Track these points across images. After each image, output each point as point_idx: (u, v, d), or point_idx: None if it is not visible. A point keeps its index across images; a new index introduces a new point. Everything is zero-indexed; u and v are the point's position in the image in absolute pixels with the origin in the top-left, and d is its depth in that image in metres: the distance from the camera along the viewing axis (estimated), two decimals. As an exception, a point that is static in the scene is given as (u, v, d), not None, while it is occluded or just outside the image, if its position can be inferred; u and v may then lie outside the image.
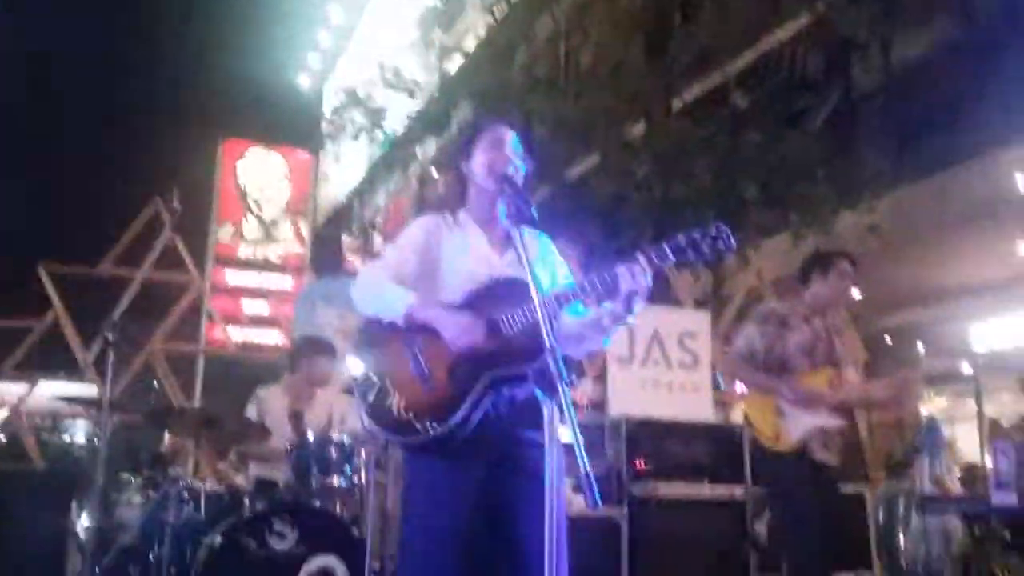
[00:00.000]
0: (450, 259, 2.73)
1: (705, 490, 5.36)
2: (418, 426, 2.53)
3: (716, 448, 5.48)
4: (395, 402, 2.58)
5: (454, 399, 2.51)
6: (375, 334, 2.68)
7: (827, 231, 9.98)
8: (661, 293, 8.63)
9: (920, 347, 11.54)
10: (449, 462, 2.56)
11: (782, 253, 9.54)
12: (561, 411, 2.21)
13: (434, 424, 2.51)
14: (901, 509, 7.46)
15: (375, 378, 2.64)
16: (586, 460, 2.13)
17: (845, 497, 5.75)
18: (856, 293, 11.32)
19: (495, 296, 2.61)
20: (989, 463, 10.20)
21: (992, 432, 10.15)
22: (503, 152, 2.75)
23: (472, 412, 2.51)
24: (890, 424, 10.78)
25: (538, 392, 2.46)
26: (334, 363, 5.16)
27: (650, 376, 6.39)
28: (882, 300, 11.99)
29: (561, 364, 2.26)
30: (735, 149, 9.93)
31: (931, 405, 13.61)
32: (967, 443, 12.97)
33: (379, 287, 2.68)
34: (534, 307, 2.48)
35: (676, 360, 6.46)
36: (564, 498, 2.57)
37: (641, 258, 2.53)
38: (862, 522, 5.89)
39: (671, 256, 2.53)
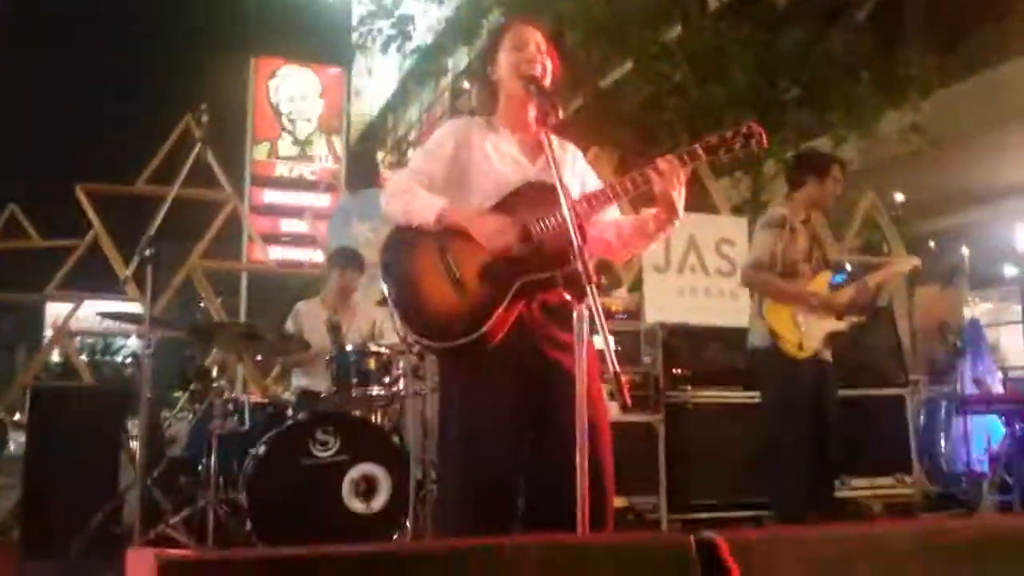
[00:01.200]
0: (481, 164, 2.69)
1: (741, 395, 5.36)
2: (451, 331, 2.53)
3: (754, 353, 5.45)
4: (427, 308, 2.58)
5: (486, 304, 2.51)
6: (405, 242, 2.66)
7: (869, 132, 9.75)
8: (698, 200, 8.52)
9: (965, 251, 11.36)
10: (486, 365, 2.55)
11: (827, 152, 9.33)
12: (590, 312, 2.20)
13: (467, 329, 2.50)
14: (943, 413, 7.44)
15: (407, 285, 2.63)
16: (615, 360, 2.12)
17: (880, 400, 5.78)
18: (899, 196, 11.15)
19: (527, 200, 2.58)
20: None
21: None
22: (527, 52, 2.69)
23: (504, 317, 2.50)
24: (932, 328, 10.68)
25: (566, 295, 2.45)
26: (361, 273, 5.21)
27: (687, 283, 6.35)
28: (926, 203, 11.77)
29: (588, 265, 2.24)
30: (774, 49, 9.64)
31: (976, 310, 13.45)
32: (1012, 347, 12.86)
33: (409, 194, 2.65)
34: (564, 213, 2.46)
35: (713, 267, 6.41)
36: (604, 399, 2.61)
37: (670, 158, 2.50)
38: (901, 426, 5.86)
39: (702, 155, 2.50)
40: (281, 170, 19.95)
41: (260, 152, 20.05)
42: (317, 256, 17.18)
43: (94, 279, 7.81)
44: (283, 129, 20.40)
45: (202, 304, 7.88)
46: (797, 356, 4.18)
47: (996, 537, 1.79)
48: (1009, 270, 13.18)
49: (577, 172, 2.80)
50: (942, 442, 7.35)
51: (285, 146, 20.27)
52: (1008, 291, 13.57)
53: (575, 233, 2.30)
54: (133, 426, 5.63)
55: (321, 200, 18.60)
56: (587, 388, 2.57)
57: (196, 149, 4.41)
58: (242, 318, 10.54)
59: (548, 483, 2.58)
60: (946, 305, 10.96)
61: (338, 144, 20.63)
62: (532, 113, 2.72)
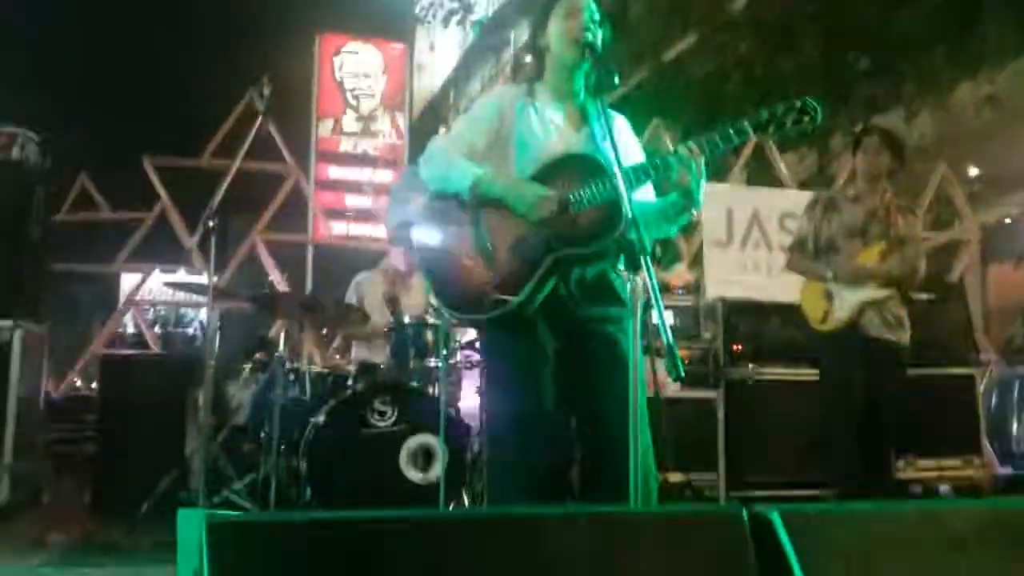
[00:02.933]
0: (523, 132, 2.66)
1: (803, 373, 5.26)
2: (480, 304, 2.52)
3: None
4: (458, 281, 2.58)
5: (518, 277, 2.49)
6: (440, 210, 2.65)
7: (942, 104, 9.43)
8: (762, 174, 8.37)
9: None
10: (523, 336, 2.55)
11: (900, 125, 9.07)
12: (645, 285, 2.17)
13: (497, 302, 2.49)
14: (1016, 395, 7.23)
15: (438, 257, 2.63)
16: (670, 332, 2.10)
17: (948, 379, 5.63)
18: (974, 170, 10.79)
19: (567, 171, 2.55)
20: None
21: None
22: (579, 19, 2.65)
23: (536, 291, 2.48)
24: (1009, 308, 10.36)
25: (620, 264, 2.43)
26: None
27: (749, 258, 6.25)
28: (1001, 179, 11.38)
29: (644, 235, 2.21)
30: (846, 21, 9.36)
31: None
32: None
33: (447, 160, 2.64)
34: (605, 185, 2.44)
35: (776, 242, 6.28)
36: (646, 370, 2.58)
37: (691, 143, 2.45)
38: (970, 406, 5.71)
39: (750, 131, 2.43)
40: (345, 146, 20.14)
41: (324, 128, 20.26)
42: (380, 231, 17.36)
43: (163, 250, 7.99)
44: (347, 105, 20.60)
45: (270, 277, 8.02)
46: (823, 328, 4.27)
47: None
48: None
49: (622, 144, 2.75)
50: (1015, 423, 7.14)
51: (349, 122, 20.41)
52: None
53: (627, 205, 2.27)
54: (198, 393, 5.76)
55: (382, 176, 18.75)
56: (627, 362, 2.58)
57: (258, 121, 4.47)
58: (308, 289, 10.68)
59: (593, 456, 2.59)
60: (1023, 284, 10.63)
61: (401, 120, 20.77)
62: (579, 82, 2.69)
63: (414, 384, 4.45)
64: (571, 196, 2.50)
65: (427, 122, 28.02)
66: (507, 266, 2.52)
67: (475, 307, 2.56)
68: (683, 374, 2.06)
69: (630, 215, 2.24)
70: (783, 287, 6.09)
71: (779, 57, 9.37)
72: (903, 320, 4.30)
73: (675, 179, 2.48)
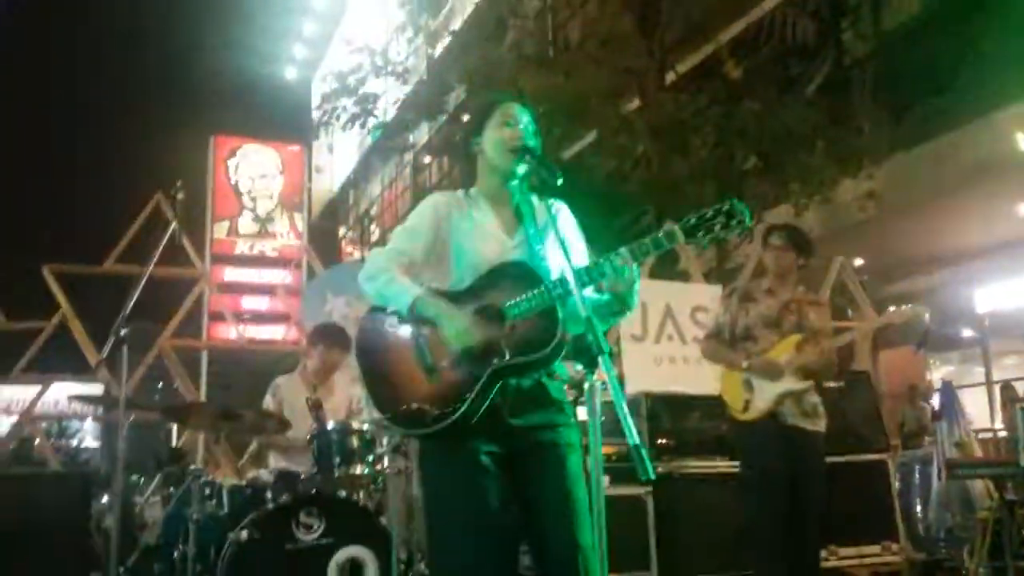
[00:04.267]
0: (460, 240, 2.67)
1: (727, 464, 5.31)
2: (422, 418, 2.49)
3: (735, 421, 5.42)
4: (400, 393, 2.54)
5: (458, 391, 2.47)
6: (379, 323, 2.65)
7: (827, 200, 9.94)
8: (666, 267, 8.59)
9: (926, 315, 11.54)
10: (461, 449, 2.52)
11: (789, 220, 9.49)
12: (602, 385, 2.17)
13: (438, 416, 2.47)
14: (917, 477, 7.43)
15: (379, 369, 2.61)
16: (634, 432, 2.08)
17: (862, 465, 5.76)
18: (858, 261, 11.33)
19: (501, 280, 2.56)
20: (999, 425, 10.28)
21: (1004, 395, 10.14)
22: (517, 128, 2.70)
23: (477, 404, 2.46)
24: (900, 392, 10.80)
25: (576, 364, 2.42)
26: (347, 351, 5.13)
27: (664, 352, 6.35)
28: (885, 268, 12.00)
29: (600, 335, 2.21)
30: (731, 120, 9.86)
31: (938, 372, 13.64)
32: (974, 409, 13.01)
33: (386, 276, 2.63)
34: (540, 294, 2.45)
35: (690, 335, 6.42)
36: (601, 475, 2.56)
37: (624, 251, 2.46)
38: (885, 492, 5.83)
39: (680, 236, 2.44)
40: (241, 248, 19.87)
41: (220, 230, 19.97)
42: (281, 332, 17.01)
43: (55, 360, 7.61)
44: (243, 207, 20.37)
45: (160, 384, 7.68)
46: (742, 419, 4.37)
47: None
48: (968, 332, 13.39)
49: (563, 237, 2.77)
50: (918, 507, 7.32)
51: (245, 223, 20.22)
52: (968, 353, 13.78)
53: (581, 303, 2.27)
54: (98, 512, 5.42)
55: (284, 277, 18.50)
56: (569, 463, 2.56)
57: (171, 228, 4.35)
58: (202, 395, 10.32)
59: (541, 557, 2.54)
60: (913, 368, 11.11)
61: (299, 220, 20.62)
62: (514, 186, 2.72)
63: (341, 494, 4.28)
64: (506, 308, 2.50)
65: (326, 222, 28.02)
66: (448, 380, 2.50)
67: (415, 421, 2.52)
68: (652, 475, 2.03)
69: (584, 315, 2.23)
70: (698, 380, 6.21)
71: (674, 158, 9.75)
72: (818, 409, 4.43)
73: (608, 285, 2.49)
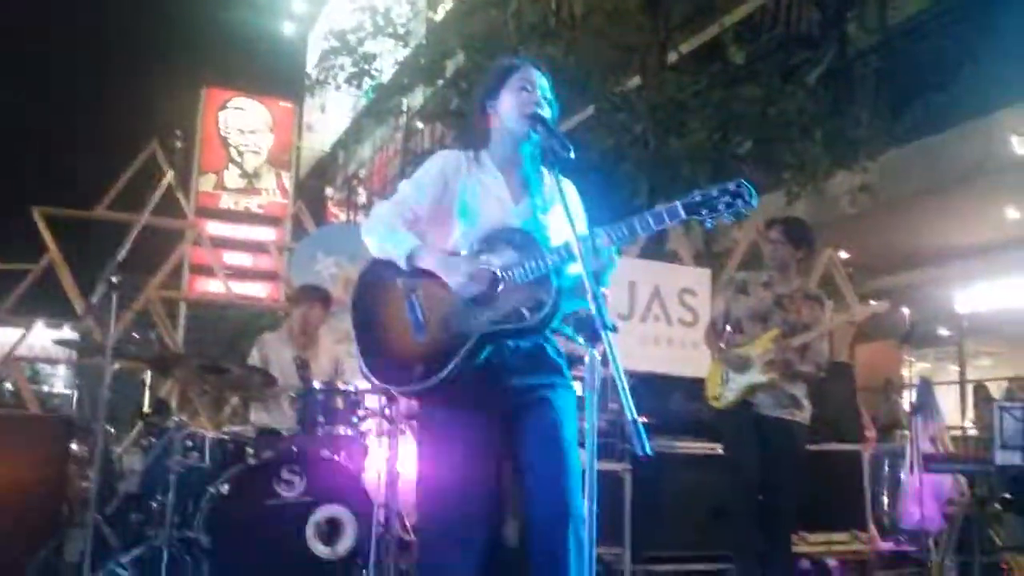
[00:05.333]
0: (467, 199, 2.66)
1: (707, 446, 5.36)
2: (408, 377, 2.50)
3: (718, 404, 5.45)
4: (388, 351, 2.55)
5: (446, 351, 2.47)
6: (375, 280, 2.64)
7: (820, 190, 9.96)
8: (660, 249, 8.61)
9: (905, 311, 11.64)
10: (457, 410, 2.54)
11: (780, 208, 9.52)
12: (604, 358, 2.17)
13: (424, 375, 2.47)
14: (887, 470, 7.53)
15: (370, 327, 2.60)
16: (633, 408, 2.09)
17: (837, 455, 5.84)
18: (844, 254, 11.41)
19: (504, 243, 2.56)
20: (969, 424, 10.41)
21: (977, 395, 10.26)
22: (533, 94, 2.68)
23: (464, 365, 2.46)
24: (875, 388, 10.90)
25: (578, 338, 2.43)
26: (326, 309, 5.13)
27: (650, 332, 6.37)
28: (871, 263, 12.06)
29: (604, 310, 2.21)
30: (730, 104, 9.84)
31: (913, 368, 13.75)
32: (947, 406, 13.16)
33: (387, 227, 2.62)
34: (537, 262, 2.45)
35: (676, 317, 6.44)
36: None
37: (607, 229, 2.46)
38: (857, 482, 5.92)
39: (682, 213, 2.41)
40: (227, 202, 19.71)
41: (206, 183, 19.79)
42: (261, 289, 16.95)
43: (40, 303, 7.53)
44: (230, 161, 20.18)
45: (154, 332, 7.63)
46: (715, 406, 4.56)
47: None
48: (944, 331, 13.52)
49: (570, 210, 2.76)
50: (885, 498, 7.43)
51: (232, 178, 20.05)
52: (944, 352, 13.91)
53: (589, 281, 2.26)
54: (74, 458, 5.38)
55: (266, 234, 18.39)
56: (564, 430, 2.57)
57: (167, 177, 4.30)
58: (180, 347, 10.27)
59: (527, 521, 2.56)
60: (889, 364, 11.19)
61: (287, 179, 20.45)
62: (525, 152, 2.71)
63: (324, 453, 4.28)
64: (502, 273, 2.49)
65: (314, 182, 27.78)
66: (437, 339, 2.49)
67: (401, 379, 2.54)
68: (649, 451, 2.03)
69: (590, 291, 2.23)
70: (683, 361, 6.25)
71: (671, 138, 9.73)
72: (798, 399, 4.47)
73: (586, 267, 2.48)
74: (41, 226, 6.85)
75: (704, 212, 2.41)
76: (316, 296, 5.11)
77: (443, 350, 2.47)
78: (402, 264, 2.55)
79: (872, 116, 10.22)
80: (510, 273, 2.49)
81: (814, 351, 4.47)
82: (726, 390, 4.47)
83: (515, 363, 2.55)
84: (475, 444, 2.53)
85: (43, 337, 8.44)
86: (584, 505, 2.26)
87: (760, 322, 4.51)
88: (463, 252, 2.60)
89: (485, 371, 2.49)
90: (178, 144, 4.44)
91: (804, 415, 4.47)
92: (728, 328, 4.62)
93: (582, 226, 2.68)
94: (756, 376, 4.39)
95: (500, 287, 2.49)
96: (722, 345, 4.62)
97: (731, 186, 2.42)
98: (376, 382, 2.64)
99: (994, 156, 9.63)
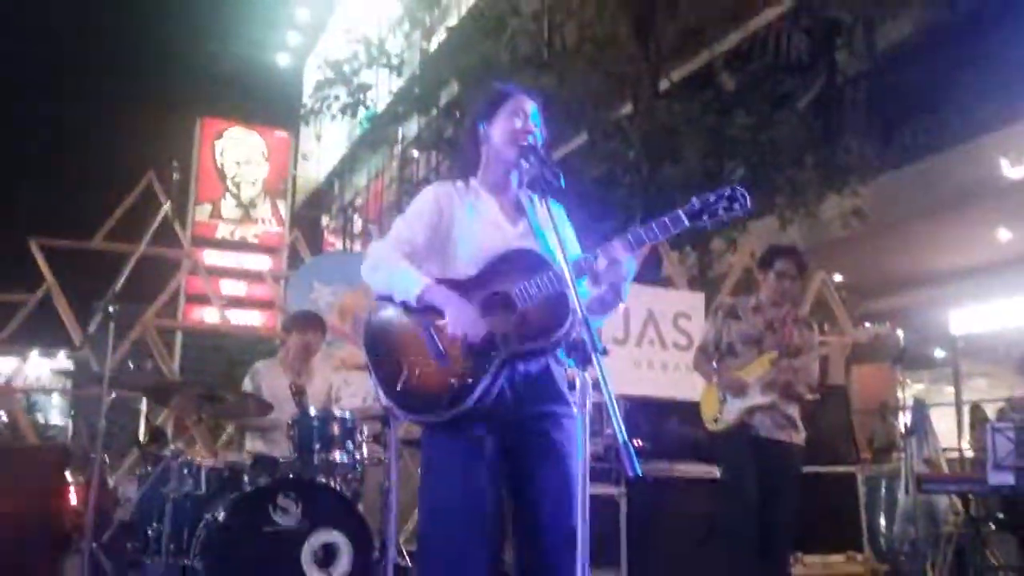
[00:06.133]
0: (462, 229, 2.68)
1: (702, 469, 5.37)
2: (435, 405, 2.50)
3: (712, 428, 5.47)
4: (411, 380, 2.54)
5: (471, 377, 2.48)
6: (386, 319, 2.64)
7: (813, 214, 10.04)
8: (655, 273, 8.65)
9: (900, 333, 11.70)
10: (464, 440, 2.54)
11: (773, 232, 9.59)
12: (595, 382, 2.19)
13: (451, 402, 2.48)
14: (883, 491, 7.53)
15: (390, 359, 2.59)
16: (623, 429, 2.11)
17: (832, 477, 5.86)
18: (838, 277, 11.45)
19: (509, 267, 2.57)
20: (965, 446, 10.42)
21: (974, 416, 10.27)
22: (526, 122, 2.72)
23: (489, 389, 2.48)
24: (871, 410, 10.92)
25: (569, 362, 2.45)
26: (323, 336, 5.16)
27: (644, 356, 6.40)
28: (864, 285, 12.12)
29: (594, 333, 2.24)
30: (723, 131, 9.94)
31: (909, 390, 13.78)
32: (943, 428, 13.17)
33: (391, 267, 2.63)
34: (549, 279, 2.48)
35: (671, 340, 6.48)
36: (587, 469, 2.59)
37: (628, 237, 2.50)
38: (852, 504, 5.94)
39: (685, 220, 2.48)
40: (223, 232, 19.80)
41: (202, 213, 19.89)
42: (257, 317, 16.97)
43: (37, 335, 7.54)
44: (226, 191, 20.28)
45: (151, 360, 7.64)
46: (713, 429, 4.57)
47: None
48: (939, 353, 13.56)
49: (561, 233, 2.80)
50: (882, 520, 7.43)
51: (228, 208, 20.14)
52: (939, 373, 13.94)
53: (577, 303, 2.29)
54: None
55: (262, 262, 18.44)
56: (568, 456, 2.59)
57: (164, 207, 4.34)
58: (176, 376, 10.26)
59: (528, 550, 2.57)
60: (884, 386, 11.22)
61: (283, 208, 20.54)
62: (516, 177, 2.74)
63: (319, 480, 4.29)
64: (514, 294, 2.52)
65: (310, 211, 27.88)
66: (459, 366, 2.50)
67: (427, 408, 2.54)
68: (640, 472, 2.06)
69: (580, 313, 2.26)
70: (677, 385, 6.28)
71: (664, 165, 9.82)
72: (795, 421, 4.51)
73: (604, 275, 2.52)
74: (38, 257, 6.89)
75: (705, 218, 2.50)
76: (312, 324, 5.14)
77: (468, 376, 2.48)
78: (411, 302, 2.57)
79: (863, 141, 10.31)
80: (525, 290, 2.51)
81: (805, 373, 4.52)
82: (724, 412, 4.49)
83: (524, 390, 2.56)
84: (479, 469, 2.54)
85: (39, 367, 8.46)
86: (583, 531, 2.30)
87: (754, 345, 4.56)
88: (471, 276, 2.61)
89: (497, 400, 2.50)
90: (175, 175, 4.47)
91: (800, 437, 4.52)
92: (718, 352, 4.65)
93: (574, 249, 2.73)
94: (756, 398, 4.42)
95: (513, 309, 2.51)
96: (714, 367, 4.65)
97: (727, 191, 2.51)
98: (405, 416, 2.65)
99: (985, 179, 9.72)
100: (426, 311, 2.56)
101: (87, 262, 7.02)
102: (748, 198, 2.49)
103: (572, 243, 2.75)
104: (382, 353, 2.62)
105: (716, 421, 4.54)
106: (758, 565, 4.37)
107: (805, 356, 4.55)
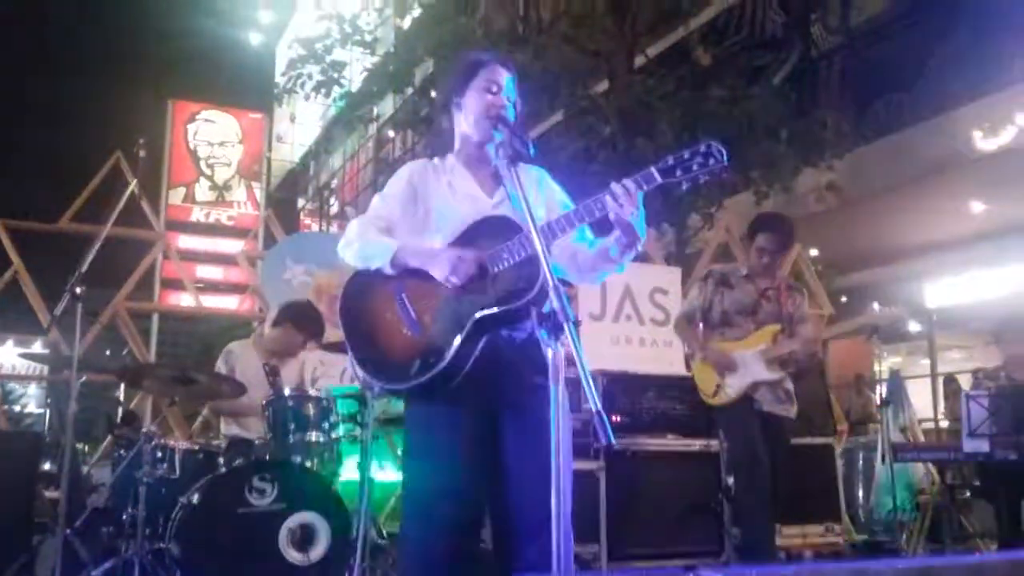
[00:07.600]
0: (439, 204, 2.67)
1: (680, 443, 5.38)
2: (408, 370, 2.48)
3: (690, 401, 5.48)
4: (383, 349, 2.54)
5: (443, 341, 2.46)
6: (359, 288, 2.65)
7: (788, 189, 10.07)
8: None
9: (876, 306, 11.78)
10: (448, 407, 2.52)
11: (750, 207, 9.60)
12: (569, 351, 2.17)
13: (422, 369, 2.46)
14: (860, 463, 7.61)
15: (363, 330, 2.59)
16: (597, 399, 2.09)
17: (810, 448, 5.88)
18: (813, 252, 11.50)
19: (483, 235, 2.55)
20: (941, 417, 10.53)
21: (947, 388, 10.39)
22: (499, 96, 2.69)
23: (460, 355, 2.45)
24: (847, 383, 11.00)
25: (542, 333, 2.42)
26: (313, 338, 5.02)
27: (622, 332, 6.39)
28: (839, 259, 12.20)
29: (565, 301, 2.20)
30: (698, 105, 9.93)
31: (885, 363, 13.92)
32: (919, 400, 13.31)
33: (364, 238, 2.63)
34: (521, 243, 2.45)
35: (648, 316, 6.47)
36: (570, 441, 2.56)
37: (625, 182, 2.45)
38: (830, 475, 5.97)
39: (658, 177, 2.43)
40: (197, 215, 19.59)
41: (176, 197, 19.67)
42: (231, 301, 16.82)
43: (10, 323, 7.43)
44: (200, 174, 20.05)
45: (124, 350, 7.55)
46: (712, 402, 4.53)
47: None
48: (914, 326, 13.67)
49: (543, 195, 2.75)
50: (859, 491, 7.50)
51: (202, 191, 19.93)
52: (914, 346, 14.08)
53: (548, 272, 2.26)
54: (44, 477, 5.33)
55: (237, 246, 18.28)
56: (547, 435, 2.57)
57: (131, 187, 4.26)
58: (152, 359, 10.18)
59: (508, 525, 2.55)
60: (860, 359, 11.32)
61: (258, 190, 20.34)
62: (491, 148, 2.71)
63: (295, 460, 4.26)
64: (488, 258, 2.50)
65: (286, 193, 27.68)
66: (432, 331, 2.49)
67: (399, 376, 2.52)
68: (613, 440, 2.04)
69: (551, 283, 2.23)
70: (655, 360, 6.29)
71: (639, 140, 9.79)
72: (792, 396, 4.54)
73: (614, 217, 2.47)
74: (4, 238, 6.77)
75: (679, 173, 2.44)
76: (307, 321, 4.95)
77: (440, 341, 2.46)
78: (386, 267, 2.56)
79: (837, 115, 10.33)
80: (496, 254, 2.49)
81: (814, 341, 4.55)
82: (726, 386, 4.45)
83: (510, 355, 2.53)
84: (461, 443, 2.53)
85: (13, 356, 8.34)
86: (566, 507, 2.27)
87: (749, 315, 4.53)
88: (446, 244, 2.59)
89: (483, 365, 2.48)
90: (141, 153, 4.39)
91: (794, 411, 4.55)
92: (709, 321, 4.61)
93: (558, 200, 2.72)
94: (763, 373, 4.40)
95: (486, 272, 2.49)
96: (699, 336, 4.61)
97: (701, 147, 2.45)
98: (377, 384, 2.63)
99: (958, 152, 9.78)
100: (400, 277, 2.56)
101: (57, 245, 6.91)
102: (724, 153, 2.43)
103: (558, 203, 2.72)
104: (355, 326, 2.62)
105: (715, 394, 4.49)
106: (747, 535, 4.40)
107: (808, 323, 4.56)
